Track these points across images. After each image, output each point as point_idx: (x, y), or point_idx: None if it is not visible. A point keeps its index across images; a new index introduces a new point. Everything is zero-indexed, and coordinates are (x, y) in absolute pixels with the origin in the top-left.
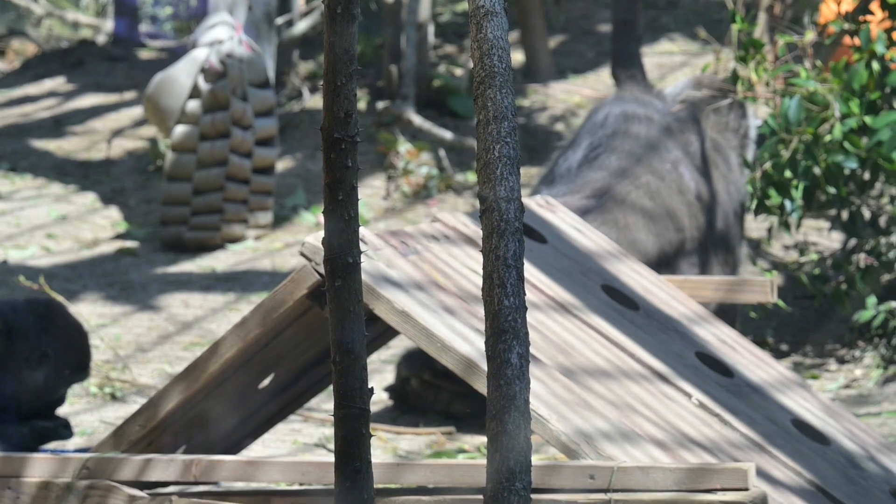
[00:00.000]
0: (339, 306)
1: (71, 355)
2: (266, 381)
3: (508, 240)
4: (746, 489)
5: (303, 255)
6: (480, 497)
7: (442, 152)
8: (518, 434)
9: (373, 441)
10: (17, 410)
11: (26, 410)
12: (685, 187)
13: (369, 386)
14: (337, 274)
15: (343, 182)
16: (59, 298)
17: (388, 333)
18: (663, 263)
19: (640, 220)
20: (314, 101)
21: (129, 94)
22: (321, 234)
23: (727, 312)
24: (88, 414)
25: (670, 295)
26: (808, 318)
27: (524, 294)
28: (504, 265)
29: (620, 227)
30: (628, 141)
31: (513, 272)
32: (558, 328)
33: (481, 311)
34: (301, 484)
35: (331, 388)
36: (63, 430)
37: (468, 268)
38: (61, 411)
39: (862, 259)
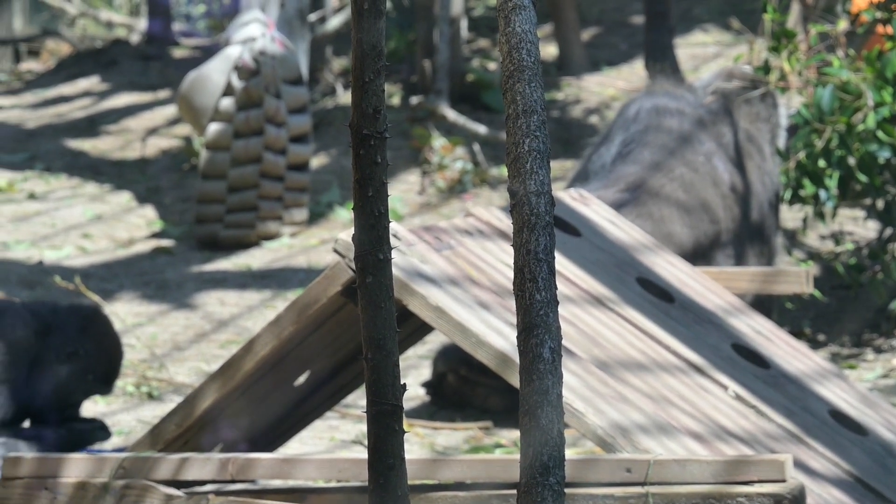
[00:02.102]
0: (370, 303)
1: (100, 362)
2: (302, 379)
3: (539, 234)
4: (784, 480)
5: (336, 251)
6: (515, 492)
7: (476, 147)
8: (551, 429)
9: (410, 437)
10: (32, 405)
11: (39, 405)
12: (719, 179)
13: (404, 382)
14: (367, 270)
15: (373, 178)
16: (96, 298)
17: (423, 329)
18: (699, 255)
19: (674, 212)
20: (348, 97)
21: (163, 93)
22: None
23: (763, 303)
24: (125, 413)
25: (705, 287)
26: (845, 308)
27: (555, 288)
28: (535, 259)
29: (655, 219)
30: (661, 135)
31: (544, 266)
32: (593, 321)
33: None
34: (338, 481)
35: None
36: (100, 432)
37: (502, 262)
38: (97, 412)
39: None
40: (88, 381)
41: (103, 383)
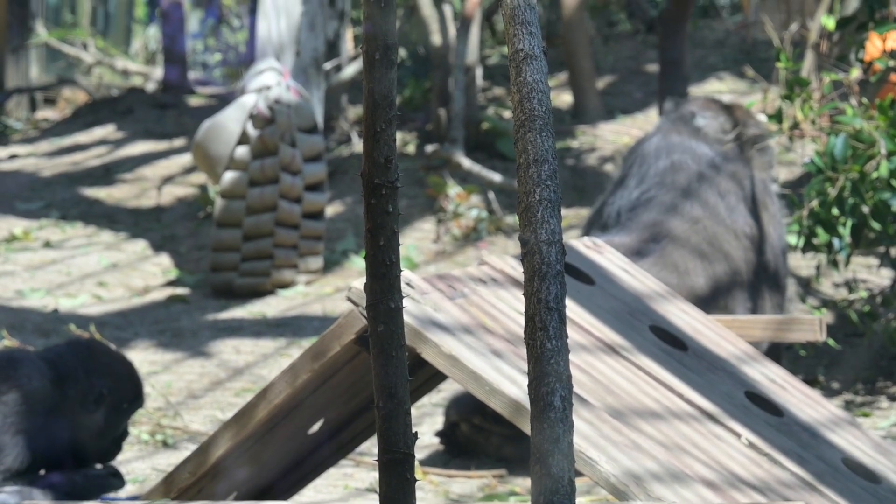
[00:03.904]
0: (382, 351)
1: (125, 389)
2: (316, 427)
3: (550, 283)
4: None
5: (349, 300)
6: None
7: (491, 195)
8: (562, 477)
9: (425, 484)
10: (79, 455)
11: (94, 451)
12: (740, 231)
13: (416, 430)
14: (379, 319)
15: (384, 227)
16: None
17: (437, 377)
18: (720, 307)
19: (698, 264)
20: None
21: (179, 141)
22: None
23: (772, 350)
24: (140, 461)
25: (719, 334)
26: (859, 356)
27: (566, 337)
28: (546, 308)
29: (681, 272)
30: (681, 180)
31: (555, 315)
32: (607, 369)
33: None
34: None
35: None
36: (114, 479)
37: (515, 310)
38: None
39: None
40: (124, 409)
41: (136, 401)
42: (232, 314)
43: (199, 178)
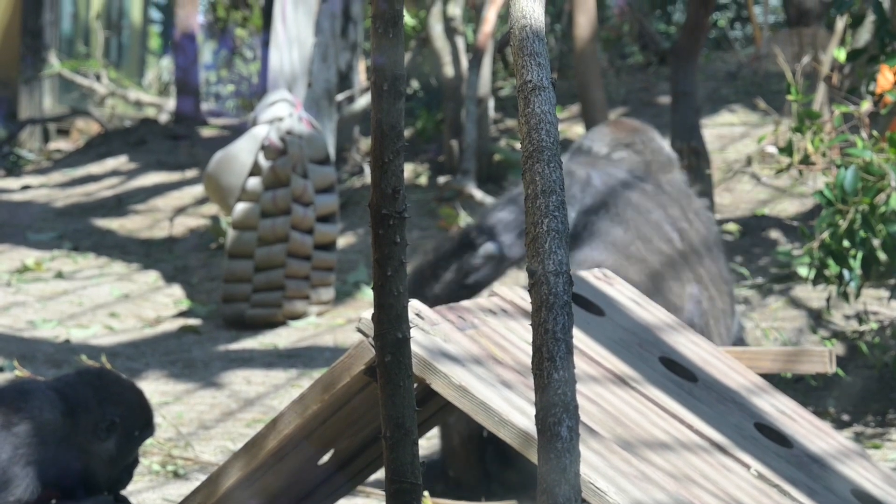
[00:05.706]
0: (389, 381)
1: (137, 416)
2: (326, 457)
3: (557, 313)
4: None
5: (359, 330)
6: None
7: None
8: None
9: None
10: (90, 484)
11: (105, 480)
12: (672, 231)
13: (423, 461)
14: (386, 349)
15: (392, 258)
16: None
17: (448, 408)
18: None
19: (639, 265)
20: None
21: (191, 173)
22: None
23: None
24: (151, 492)
25: (728, 366)
26: (870, 388)
27: (573, 367)
28: (553, 338)
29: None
30: (622, 203)
31: (562, 345)
32: (616, 400)
33: None
34: None
35: None
36: None
37: (525, 341)
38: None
39: None
40: (136, 436)
41: (147, 429)
42: (243, 345)
43: (211, 209)
